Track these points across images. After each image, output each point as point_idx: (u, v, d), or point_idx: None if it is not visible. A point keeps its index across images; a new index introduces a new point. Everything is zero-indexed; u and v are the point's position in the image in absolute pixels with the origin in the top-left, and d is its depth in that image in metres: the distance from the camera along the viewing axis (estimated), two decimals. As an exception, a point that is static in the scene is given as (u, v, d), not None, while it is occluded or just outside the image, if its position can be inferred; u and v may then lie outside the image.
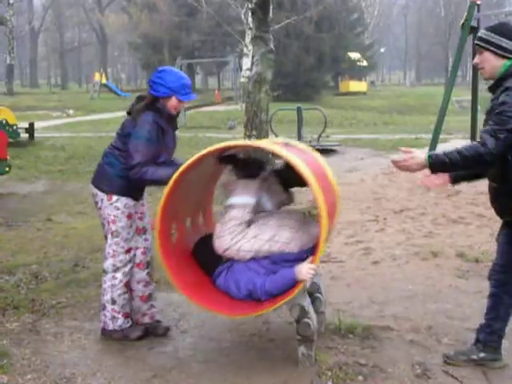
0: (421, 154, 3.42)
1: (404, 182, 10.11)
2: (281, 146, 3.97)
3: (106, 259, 4.27)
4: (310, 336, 3.83)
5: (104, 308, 4.30)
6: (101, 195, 4.19)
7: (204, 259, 4.15)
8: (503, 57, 3.48)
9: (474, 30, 12.33)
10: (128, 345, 4.25)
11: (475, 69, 13.26)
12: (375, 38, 64.91)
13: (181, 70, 26.49)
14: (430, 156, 3.39)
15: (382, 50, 70.26)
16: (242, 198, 3.97)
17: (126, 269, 4.26)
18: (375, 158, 14.02)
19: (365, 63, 51.23)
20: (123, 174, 4.11)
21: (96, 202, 4.26)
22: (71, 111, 34.37)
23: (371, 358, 3.98)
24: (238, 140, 3.71)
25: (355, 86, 50.44)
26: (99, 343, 4.30)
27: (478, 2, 12.15)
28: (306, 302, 3.87)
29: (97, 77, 47.46)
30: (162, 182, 3.94)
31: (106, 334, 4.33)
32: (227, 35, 41.80)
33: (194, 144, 18.39)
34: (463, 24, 12.14)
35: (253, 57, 12.31)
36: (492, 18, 14.01)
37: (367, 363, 3.91)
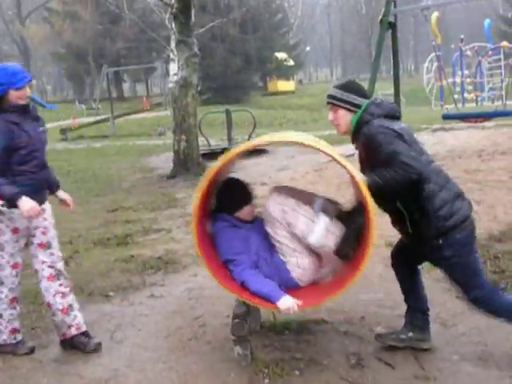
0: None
1: (333, 177, 10.27)
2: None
3: None
4: (244, 336, 3.86)
5: None
6: None
7: (224, 199, 4.11)
8: (354, 112, 3.69)
9: (392, 25, 12.68)
10: (62, 360, 4.19)
11: (396, 62, 13.64)
12: (300, 37, 65.69)
13: (107, 78, 26.19)
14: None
15: (308, 48, 71.20)
16: (319, 238, 3.82)
17: (13, 285, 4.21)
18: (305, 155, 14.18)
19: (291, 62, 51.79)
20: None
21: None
22: (-5, 126, 33.33)
23: (307, 352, 4.04)
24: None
25: (283, 85, 50.99)
26: (32, 361, 4.20)
27: (395, -2, 12.48)
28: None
29: (21, 89, 46.14)
30: (4, 197, 3.90)
31: None
32: (153, 41, 41.43)
33: (123, 152, 18.22)
34: (381, 20, 12.46)
35: (178, 61, 12.28)
36: (408, 14, 14.43)
37: (303, 357, 3.96)
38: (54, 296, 4.23)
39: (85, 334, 4.34)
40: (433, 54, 14.57)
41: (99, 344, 4.32)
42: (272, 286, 3.77)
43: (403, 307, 4.24)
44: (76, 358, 4.22)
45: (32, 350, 4.32)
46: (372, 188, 3.48)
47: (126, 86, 66.03)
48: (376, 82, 12.66)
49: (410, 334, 3.99)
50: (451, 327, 4.32)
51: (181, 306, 5.13)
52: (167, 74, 24.53)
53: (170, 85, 12.74)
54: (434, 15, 14.56)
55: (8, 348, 4.29)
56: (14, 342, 4.29)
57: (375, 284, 5.36)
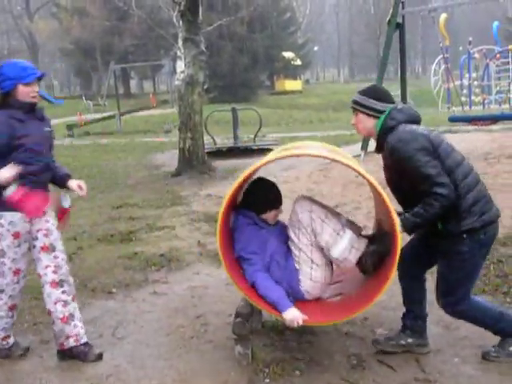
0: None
1: (338, 177, 10.26)
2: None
3: None
4: (245, 335, 3.86)
5: None
6: None
7: (252, 197, 4.11)
8: (374, 116, 3.73)
9: (400, 26, 12.66)
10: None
11: (403, 64, 13.61)
12: (308, 36, 65.60)
13: (114, 74, 26.27)
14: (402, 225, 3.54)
15: (316, 48, 71.13)
16: (340, 251, 3.82)
17: (13, 292, 4.09)
18: (311, 155, 14.17)
19: (299, 62, 51.78)
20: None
21: None
22: (2, 121, 33.40)
23: (308, 353, 4.04)
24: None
25: (290, 84, 50.99)
26: (33, 356, 4.22)
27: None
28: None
29: (28, 85, 46.31)
30: None
31: None
32: (160, 38, 41.53)
33: (129, 149, 18.25)
34: (389, 21, 12.45)
35: (185, 59, 12.29)
36: (416, 15, 14.38)
37: (304, 358, 3.96)
38: (55, 304, 4.07)
39: (85, 344, 4.18)
40: (440, 56, 14.52)
41: (100, 355, 4.16)
42: (281, 294, 3.76)
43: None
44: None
45: (27, 350, 4.28)
46: (410, 229, 3.56)
47: (133, 83, 66.13)
48: (383, 82, 12.63)
49: (410, 340, 3.98)
50: (453, 330, 4.31)
51: (183, 304, 5.14)
52: (174, 71, 24.65)
53: (177, 82, 12.75)
54: (443, 16, 14.52)
55: (2, 353, 4.21)
56: (6, 347, 4.22)
57: (378, 285, 5.34)
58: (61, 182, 4.29)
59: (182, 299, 5.26)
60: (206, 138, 13.70)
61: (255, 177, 4.27)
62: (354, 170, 3.65)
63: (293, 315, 3.64)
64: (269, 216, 4.10)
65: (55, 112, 36.00)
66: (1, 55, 70.11)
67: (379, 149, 3.78)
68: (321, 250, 3.87)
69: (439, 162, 3.51)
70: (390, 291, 5.09)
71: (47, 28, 54.12)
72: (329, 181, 10.30)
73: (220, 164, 13.44)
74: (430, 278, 4.11)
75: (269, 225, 4.09)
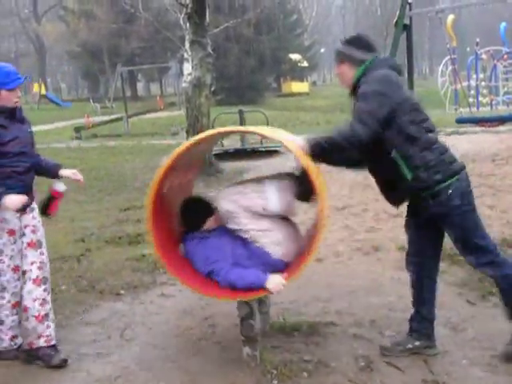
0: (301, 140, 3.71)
1: (346, 179, 10.25)
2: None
3: None
4: (253, 336, 3.87)
5: None
6: None
7: (187, 219, 4.11)
8: (357, 66, 3.73)
9: (407, 27, 12.64)
10: (71, 357, 4.19)
11: (410, 65, 13.60)
12: (315, 38, 65.62)
13: (121, 77, 26.17)
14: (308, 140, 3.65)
15: (322, 50, 71.08)
16: (276, 201, 3.87)
17: (15, 289, 4.10)
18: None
19: (306, 64, 51.80)
20: None
21: None
22: (10, 124, 33.51)
23: (315, 354, 4.04)
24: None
25: (297, 86, 50.98)
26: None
27: (410, 1, 12.44)
28: (255, 303, 3.91)
29: (36, 88, 46.60)
30: None
31: None
32: (167, 41, 41.56)
33: (136, 151, 18.26)
34: (396, 22, 12.44)
35: (192, 61, 12.31)
36: (423, 16, 14.36)
37: (312, 359, 3.96)
38: (34, 301, 4.05)
39: (53, 347, 4.15)
40: (448, 57, 14.51)
41: (65, 360, 4.10)
42: (254, 274, 3.77)
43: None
44: (85, 355, 4.24)
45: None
46: (312, 145, 3.61)
47: (140, 86, 66.31)
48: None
49: (417, 343, 3.97)
50: (461, 332, 4.30)
51: (191, 306, 5.15)
52: (181, 73, 24.68)
53: (184, 85, 12.77)
54: (450, 17, 14.53)
55: (11, 354, 4.21)
56: (15, 347, 4.22)
57: (386, 287, 5.34)
58: (52, 172, 4.32)
59: (190, 301, 5.26)
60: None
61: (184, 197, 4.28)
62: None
63: (274, 281, 3.68)
64: (210, 224, 4.07)
65: (63, 115, 36.18)
66: (8, 58, 70.52)
67: (353, 94, 3.79)
68: (263, 216, 3.88)
69: (396, 117, 3.51)
70: (398, 292, 5.12)
71: (54, 31, 54.30)
72: (337, 182, 10.29)
73: (227, 166, 13.45)
74: (439, 281, 4.10)
75: (212, 230, 4.06)
